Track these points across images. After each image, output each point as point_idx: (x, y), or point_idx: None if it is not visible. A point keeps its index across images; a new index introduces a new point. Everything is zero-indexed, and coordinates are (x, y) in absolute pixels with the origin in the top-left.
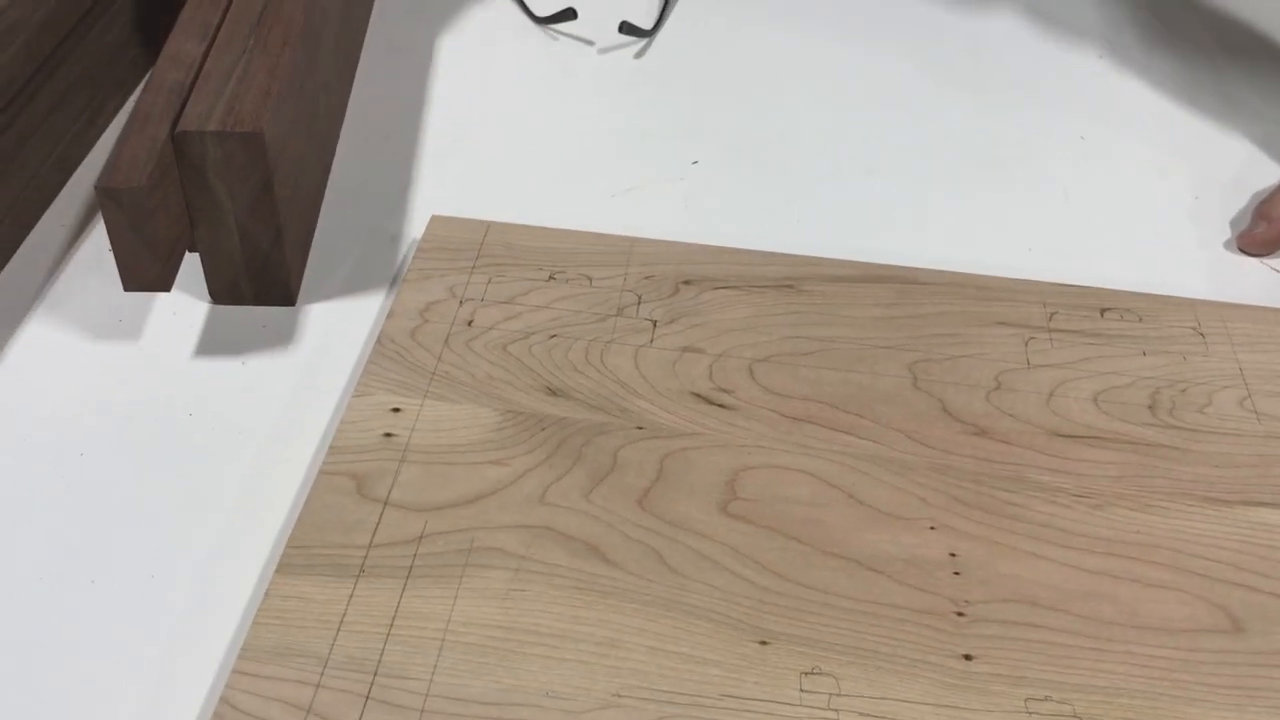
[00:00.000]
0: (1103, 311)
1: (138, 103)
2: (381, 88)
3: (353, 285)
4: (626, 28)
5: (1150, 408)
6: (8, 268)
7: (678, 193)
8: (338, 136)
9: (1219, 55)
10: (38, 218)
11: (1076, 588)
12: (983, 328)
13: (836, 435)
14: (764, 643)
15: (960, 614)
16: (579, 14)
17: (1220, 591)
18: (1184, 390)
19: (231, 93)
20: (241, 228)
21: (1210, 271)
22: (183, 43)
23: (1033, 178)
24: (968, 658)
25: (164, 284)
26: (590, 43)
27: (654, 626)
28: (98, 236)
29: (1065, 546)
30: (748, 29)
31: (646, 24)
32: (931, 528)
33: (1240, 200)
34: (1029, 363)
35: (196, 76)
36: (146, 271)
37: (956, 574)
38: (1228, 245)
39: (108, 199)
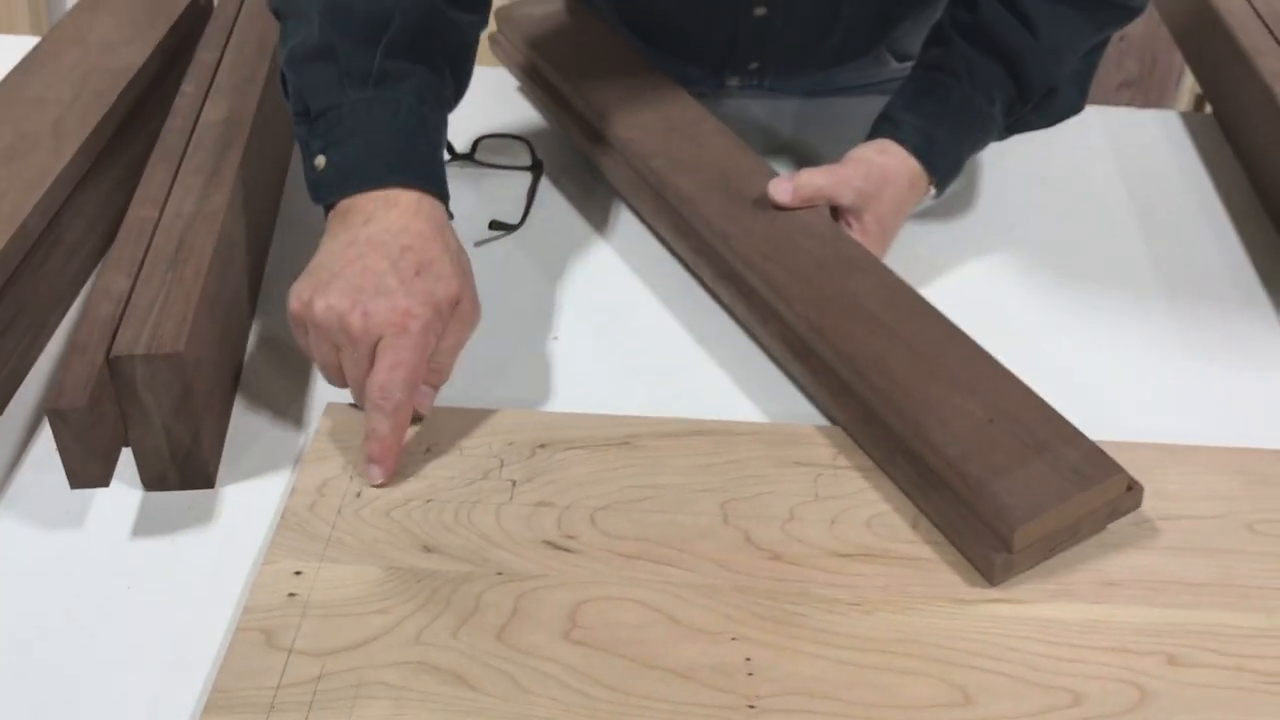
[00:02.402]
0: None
1: (77, 333)
2: (285, 290)
3: (262, 467)
4: (496, 225)
5: (914, 527)
6: None
7: (540, 365)
8: (247, 338)
9: None
10: None
11: (846, 679)
12: (782, 468)
13: (660, 568)
14: None
15: (751, 706)
16: (455, 215)
17: (958, 674)
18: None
19: (155, 320)
20: (167, 429)
21: None
22: (113, 279)
23: None
24: None
25: (104, 481)
26: (465, 237)
27: None
28: (45, 440)
29: (839, 647)
30: (596, 222)
31: (513, 219)
32: (733, 639)
33: None
34: (817, 495)
35: (125, 308)
36: (90, 472)
37: (750, 675)
38: None
39: (56, 418)
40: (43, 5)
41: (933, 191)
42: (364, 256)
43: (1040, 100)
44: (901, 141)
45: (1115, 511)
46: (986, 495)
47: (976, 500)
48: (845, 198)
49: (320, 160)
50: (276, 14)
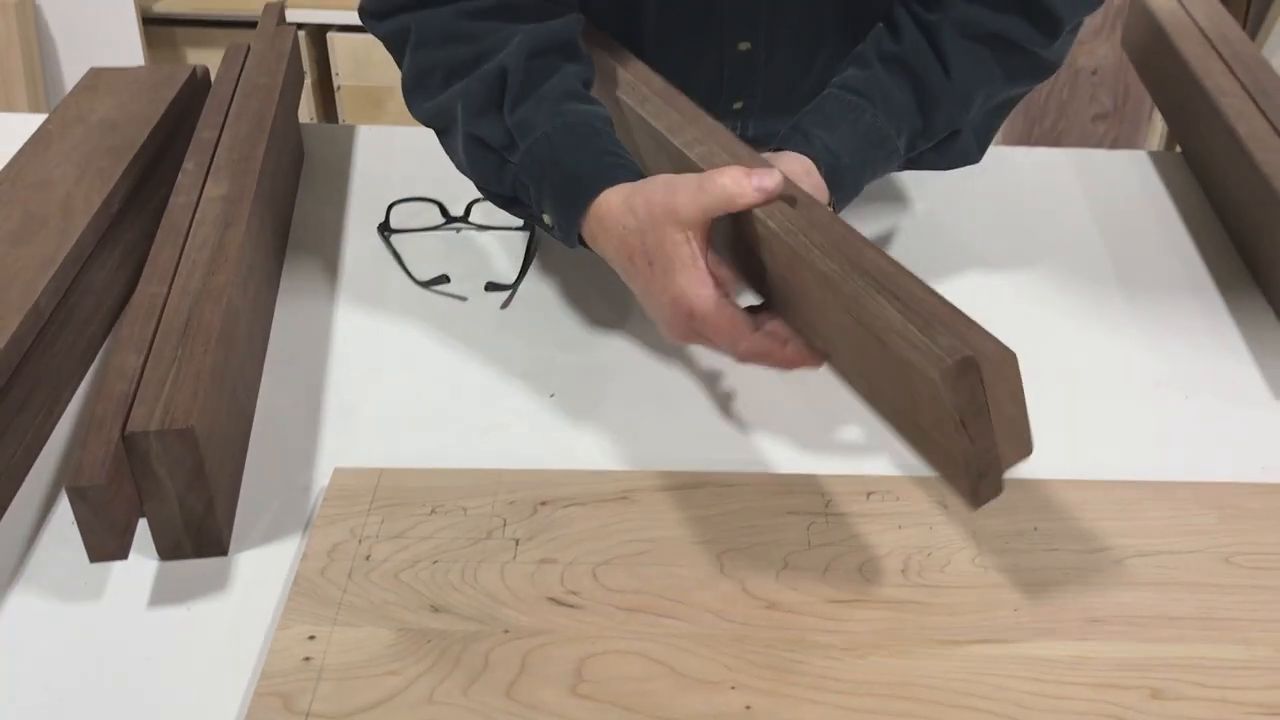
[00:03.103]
0: (868, 495)
1: (93, 411)
2: (289, 357)
3: (273, 533)
4: (491, 286)
5: (903, 571)
6: None
7: (538, 423)
8: (254, 407)
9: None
10: (9, 502)
11: None
12: (775, 518)
13: (661, 620)
14: None
15: None
16: (451, 278)
17: (950, 714)
18: (929, 555)
19: (167, 396)
20: (181, 500)
21: None
22: (125, 357)
23: (817, 392)
24: None
25: (122, 554)
26: (463, 299)
27: None
28: (62, 513)
29: (835, 691)
30: (588, 280)
31: (508, 280)
32: (732, 687)
33: None
34: (810, 544)
35: (138, 385)
36: (108, 545)
37: None
38: None
39: (75, 496)
40: (40, 83)
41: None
42: (636, 286)
43: (942, 140)
44: (813, 158)
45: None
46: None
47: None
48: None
49: (547, 219)
50: (436, 131)
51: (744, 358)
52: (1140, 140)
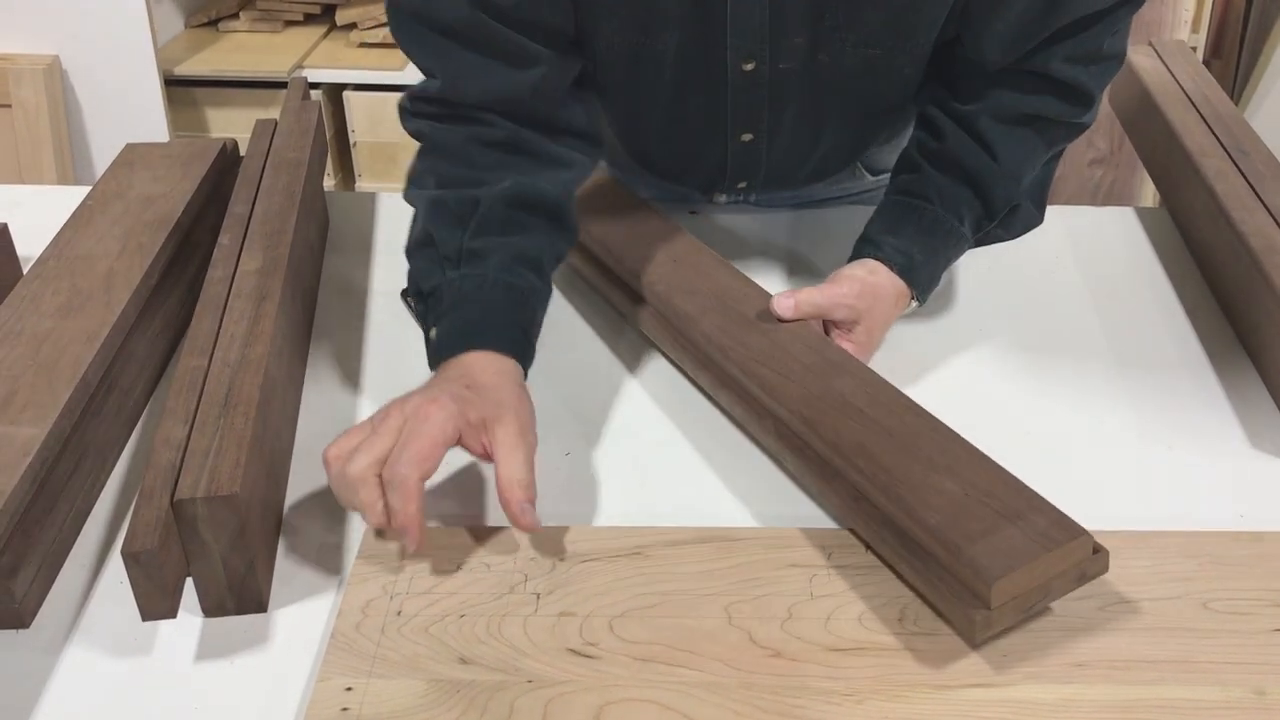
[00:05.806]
0: (867, 547)
1: (144, 480)
2: (320, 420)
3: (310, 590)
4: None
5: (900, 620)
6: (44, 606)
7: (555, 481)
8: (289, 470)
9: None
10: (63, 563)
11: None
12: (779, 570)
13: (673, 669)
14: None
15: None
16: None
17: None
18: (924, 604)
19: (211, 464)
20: (224, 561)
21: None
22: (171, 428)
23: None
24: None
25: (172, 613)
26: None
27: None
28: (112, 571)
29: None
30: (602, 344)
31: None
32: None
33: None
34: (812, 594)
35: (184, 454)
36: (159, 605)
37: None
38: None
39: (130, 560)
40: (67, 146)
41: (914, 304)
42: (415, 395)
43: (1004, 217)
44: (885, 262)
45: (1084, 574)
46: (964, 558)
47: (956, 564)
48: (839, 314)
49: (432, 333)
50: (413, 214)
51: (394, 459)
52: (1136, 184)
